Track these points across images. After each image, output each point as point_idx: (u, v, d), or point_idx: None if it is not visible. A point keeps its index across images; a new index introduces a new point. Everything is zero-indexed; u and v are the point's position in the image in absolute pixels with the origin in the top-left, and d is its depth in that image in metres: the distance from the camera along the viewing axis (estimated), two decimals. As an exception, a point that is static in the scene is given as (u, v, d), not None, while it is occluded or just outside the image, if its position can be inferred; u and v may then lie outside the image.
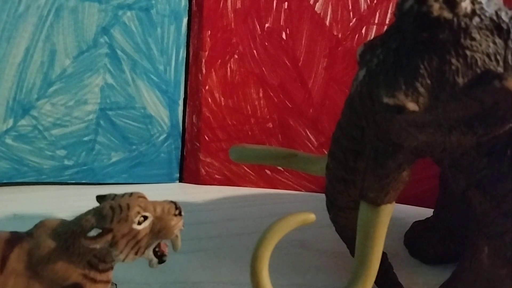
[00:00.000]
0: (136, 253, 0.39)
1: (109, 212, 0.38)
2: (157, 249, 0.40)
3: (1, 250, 0.37)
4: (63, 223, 0.40)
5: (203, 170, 0.75)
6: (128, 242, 0.38)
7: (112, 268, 0.40)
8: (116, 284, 0.46)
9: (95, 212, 0.38)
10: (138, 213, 0.38)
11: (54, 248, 0.38)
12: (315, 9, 0.67)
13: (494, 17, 0.34)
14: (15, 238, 0.38)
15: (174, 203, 0.41)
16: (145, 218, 0.38)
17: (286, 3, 0.67)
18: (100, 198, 0.41)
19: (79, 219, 0.39)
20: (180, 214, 0.40)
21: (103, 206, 0.38)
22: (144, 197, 0.40)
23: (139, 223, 0.38)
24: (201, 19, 0.69)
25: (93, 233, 0.37)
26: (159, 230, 0.38)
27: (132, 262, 0.39)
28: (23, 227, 0.40)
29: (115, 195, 0.40)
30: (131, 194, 0.40)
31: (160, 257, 0.40)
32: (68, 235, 0.38)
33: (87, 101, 0.69)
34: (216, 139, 0.74)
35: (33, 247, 0.38)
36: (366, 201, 0.41)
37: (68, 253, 0.38)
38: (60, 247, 0.38)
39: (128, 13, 0.67)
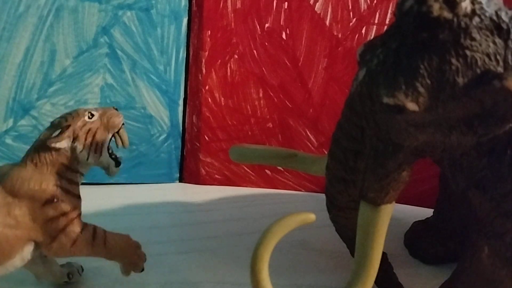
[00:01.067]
0: (95, 151, 0.42)
1: (61, 119, 0.42)
2: (111, 152, 0.44)
3: None
4: (21, 158, 0.42)
5: (203, 170, 0.75)
6: (86, 135, 0.42)
7: (79, 183, 0.43)
8: (82, 267, 0.47)
9: (48, 127, 0.42)
10: (85, 110, 0.43)
11: (22, 170, 0.40)
12: (315, 9, 0.67)
13: (494, 17, 0.34)
14: None
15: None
16: (92, 114, 0.43)
17: (286, 3, 0.67)
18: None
19: (35, 141, 0.42)
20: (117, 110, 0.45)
21: (53, 121, 0.42)
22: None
23: (90, 118, 0.43)
24: (201, 19, 0.69)
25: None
26: (107, 121, 0.43)
27: (95, 164, 0.43)
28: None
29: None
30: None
31: (116, 159, 0.44)
32: (32, 154, 0.41)
33: (87, 101, 0.69)
34: (216, 139, 0.74)
35: (1, 179, 0.40)
36: (366, 201, 0.41)
37: (37, 169, 0.40)
38: (28, 167, 0.40)
39: (128, 13, 0.67)
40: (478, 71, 0.34)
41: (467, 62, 0.33)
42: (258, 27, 0.69)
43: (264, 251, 0.38)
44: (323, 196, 0.46)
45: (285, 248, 0.56)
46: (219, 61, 0.70)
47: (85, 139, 0.42)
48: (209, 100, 0.72)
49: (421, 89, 0.34)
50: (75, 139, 0.41)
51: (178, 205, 0.68)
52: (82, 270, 0.48)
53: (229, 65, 0.70)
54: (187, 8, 0.69)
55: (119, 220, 0.61)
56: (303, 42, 0.69)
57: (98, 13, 0.66)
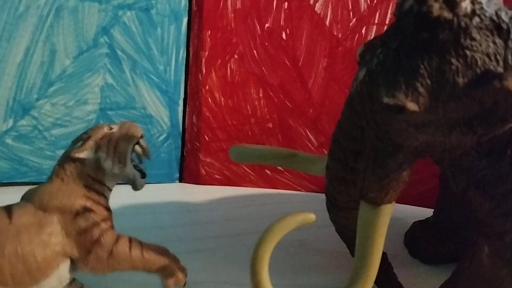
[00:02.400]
0: (119, 161, 0.42)
1: (81, 135, 0.43)
2: (135, 164, 0.44)
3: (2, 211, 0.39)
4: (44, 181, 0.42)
5: (203, 170, 0.75)
6: (108, 144, 0.42)
7: (107, 197, 0.43)
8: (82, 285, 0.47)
9: (70, 144, 0.42)
10: (105, 124, 0.43)
11: (49, 185, 0.40)
12: (315, 9, 0.67)
13: (494, 17, 0.34)
14: (7, 206, 0.40)
15: None
16: (111, 128, 0.43)
17: (286, 3, 0.67)
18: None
19: (60, 157, 0.42)
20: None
21: (74, 139, 0.43)
22: None
23: (109, 130, 0.43)
24: (201, 19, 0.69)
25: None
26: (126, 132, 0.43)
27: (120, 177, 0.43)
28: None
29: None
30: None
31: (141, 170, 0.44)
32: (57, 169, 0.41)
33: (87, 101, 0.69)
34: (216, 139, 0.74)
35: (30, 198, 0.40)
36: (366, 201, 0.41)
37: (64, 182, 0.40)
38: (55, 182, 0.40)
39: (128, 13, 0.67)
40: (478, 71, 0.34)
41: (467, 62, 0.33)
42: (258, 27, 0.69)
43: (264, 251, 0.38)
44: (323, 196, 0.46)
45: (285, 248, 0.56)
46: (219, 61, 0.70)
47: (107, 149, 0.41)
48: (209, 100, 0.72)
49: (421, 89, 0.34)
50: (97, 149, 0.41)
51: (178, 205, 0.68)
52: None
53: (229, 65, 0.70)
54: (187, 8, 0.69)
55: (120, 220, 0.61)
56: (303, 42, 0.69)
57: (98, 13, 0.66)
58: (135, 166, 0.44)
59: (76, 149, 0.41)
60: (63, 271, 0.39)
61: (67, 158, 0.41)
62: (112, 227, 0.42)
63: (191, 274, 0.51)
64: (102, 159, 0.41)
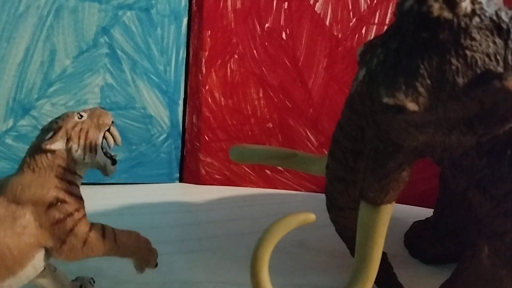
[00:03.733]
0: (90, 150, 0.42)
1: (51, 123, 0.42)
2: (105, 151, 0.44)
3: None
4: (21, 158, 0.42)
5: (203, 170, 0.75)
6: (79, 135, 0.41)
7: (79, 185, 0.42)
8: (93, 279, 0.47)
9: (40, 133, 0.42)
10: (74, 112, 0.43)
11: (21, 177, 0.40)
12: (315, 9, 0.67)
13: (494, 17, 0.34)
14: None
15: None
16: (81, 115, 0.43)
17: (286, 3, 0.67)
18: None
19: (29, 148, 0.41)
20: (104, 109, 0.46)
21: (43, 126, 0.42)
22: None
23: (80, 118, 0.42)
24: (201, 19, 0.69)
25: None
26: (97, 120, 0.43)
27: (91, 165, 0.43)
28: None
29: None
30: None
31: (112, 157, 0.44)
32: (28, 160, 0.40)
33: (87, 101, 0.69)
34: (216, 139, 0.74)
35: (1, 190, 0.40)
36: (366, 201, 0.41)
37: (35, 174, 0.40)
38: (26, 174, 0.40)
39: (128, 13, 0.67)
40: (478, 71, 0.34)
41: (467, 62, 0.33)
42: (258, 27, 0.69)
43: (264, 251, 0.38)
44: (323, 196, 0.46)
45: (285, 248, 0.56)
46: (219, 61, 0.70)
47: (79, 139, 0.41)
48: (209, 100, 0.72)
49: (421, 89, 0.34)
50: (68, 139, 0.41)
51: (178, 205, 0.68)
52: (94, 282, 0.47)
53: (229, 65, 0.70)
54: (187, 8, 0.69)
55: (119, 220, 0.61)
56: (303, 42, 0.69)
57: (98, 13, 0.66)
58: (105, 154, 0.44)
59: (47, 141, 0.40)
60: (38, 260, 0.39)
61: (38, 149, 0.40)
62: (85, 216, 0.41)
63: (191, 274, 0.51)
64: (74, 150, 0.41)
